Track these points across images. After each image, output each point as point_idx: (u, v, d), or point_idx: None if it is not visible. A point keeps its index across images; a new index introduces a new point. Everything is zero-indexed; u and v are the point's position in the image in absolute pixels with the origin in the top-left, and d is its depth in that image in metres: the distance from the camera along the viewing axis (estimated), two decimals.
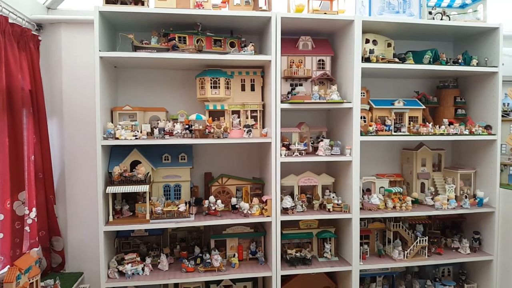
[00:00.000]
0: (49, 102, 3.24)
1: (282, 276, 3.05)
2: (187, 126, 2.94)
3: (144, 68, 3.34)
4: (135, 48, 2.83)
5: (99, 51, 2.69)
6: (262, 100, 3.23)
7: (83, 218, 3.39)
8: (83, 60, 3.28)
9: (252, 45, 2.98)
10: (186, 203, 3.00)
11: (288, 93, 3.13)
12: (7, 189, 2.62)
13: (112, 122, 2.94)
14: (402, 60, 3.21)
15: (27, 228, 2.89)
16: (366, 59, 3.10)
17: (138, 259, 2.96)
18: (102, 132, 2.78)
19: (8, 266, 2.58)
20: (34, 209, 2.94)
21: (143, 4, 2.79)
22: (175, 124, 2.96)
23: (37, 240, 3.00)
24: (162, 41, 2.93)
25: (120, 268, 2.89)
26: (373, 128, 3.16)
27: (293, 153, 3.06)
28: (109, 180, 2.82)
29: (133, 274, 2.89)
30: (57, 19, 3.24)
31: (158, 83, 3.39)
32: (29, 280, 2.57)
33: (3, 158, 2.57)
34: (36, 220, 2.97)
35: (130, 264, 2.89)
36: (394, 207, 3.25)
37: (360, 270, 3.16)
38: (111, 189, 2.77)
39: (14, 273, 2.45)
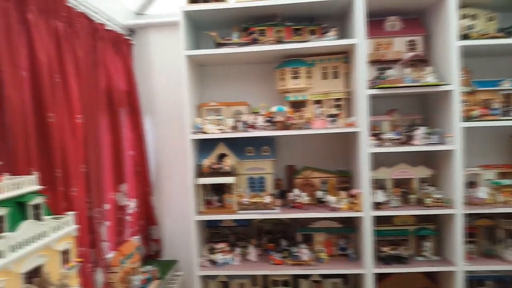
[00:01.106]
0: (142, 101, 3.49)
1: (376, 275, 2.87)
2: (268, 119, 2.93)
3: (226, 64, 3.41)
4: (218, 45, 2.89)
5: (185, 50, 2.81)
6: (347, 87, 3.07)
7: (176, 209, 3.60)
8: (171, 60, 3.47)
9: (335, 30, 2.84)
10: (270, 195, 2.99)
11: (376, 78, 2.92)
12: (111, 181, 2.89)
13: (199, 118, 3.06)
14: (509, 34, 2.77)
15: (128, 217, 3.15)
16: (464, 36, 2.74)
17: (228, 249, 3.05)
18: (191, 127, 2.90)
19: (113, 251, 2.83)
20: (134, 200, 3.20)
21: (223, 0, 2.84)
22: (257, 117, 2.96)
23: (137, 229, 3.26)
24: (242, 36, 2.95)
25: (212, 257, 2.99)
26: (477, 113, 2.79)
27: (385, 143, 2.85)
28: (199, 172, 2.94)
29: (223, 263, 2.98)
30: (146, 24, 3.48)
31: (240, 78, 3.44)
32: (131, 265, 2.80)
33: (107, 154, 2.84)
34: (136, 211, 3.23)
35: (220, 254, 2.99)
36: (505, 201, 2.84)
37: (465, 272, 2.83)
38: (201, 181, 2.89)
39: (119, 258, 2.69)
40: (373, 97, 2.80)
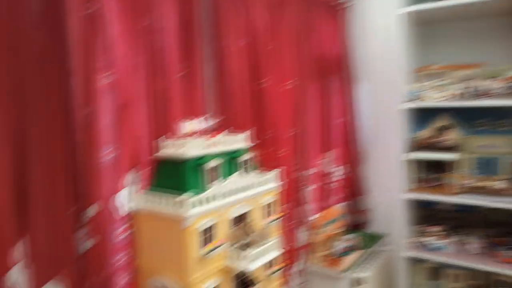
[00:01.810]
0: (355, 67, 3.36)
1: None
2: (509, 84, 2.29)
3: (450, 20, 2.83)
4: None
5: (404, 6, 2.50)
6: None
7: (385, 182, 3.37)
8: (386, 20, 3.16)
9: None
10: (506, 180, 2.38)
11: None
12: (319, 147, 2.96)
13: (417, 84, 2.70)
14: None
15: (333, 184, 3.18)
16: None
17: (444, 233, 2.68)
18: (407, 95, 2.61)
19: (317, 214, 2.93)
20: (341, 168, 3.20)
21: None
22: (493, 82, 2.37)
23: (343, 197, 3.26)
24: None
25: (423, 239, 2.70)
26: None
27: None
28: (413, 145, 2.64)
29: (436, 248, 2.64)
30: None
31: (468, 36, 2.81)
32: (334, 231, 2.83)
33: (316, 120, 2.91)
34: (342, 178, 3.22)
35: (434, 237, 2.66)
36: None
37: None
38: (414, 155, 2.60)
39: (322, 221, 2.76)
40: None
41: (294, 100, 2.55)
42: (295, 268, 2.63)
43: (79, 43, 1.50)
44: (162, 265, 1.65)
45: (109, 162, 1.63)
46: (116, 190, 1.65)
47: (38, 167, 1.42)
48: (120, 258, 1.70)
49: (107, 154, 1.61)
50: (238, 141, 1.90)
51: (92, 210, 1.57)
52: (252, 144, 1.99)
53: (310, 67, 2.75)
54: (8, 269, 1.33)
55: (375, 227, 3.47)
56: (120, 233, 1.69)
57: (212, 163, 1.71)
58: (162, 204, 1.60)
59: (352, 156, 3.33)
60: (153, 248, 1.68)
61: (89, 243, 1.59)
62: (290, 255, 2.48)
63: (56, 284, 1.51)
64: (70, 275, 1.54)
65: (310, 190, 2.86)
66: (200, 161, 1.67)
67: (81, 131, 1.54)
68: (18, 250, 1.36)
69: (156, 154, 1.74)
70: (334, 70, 3.10)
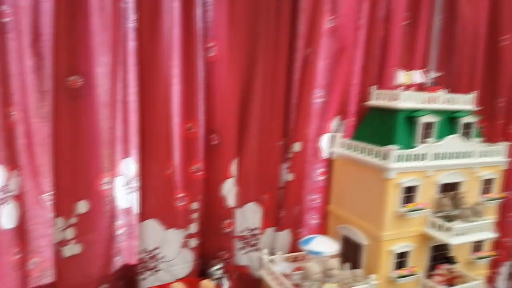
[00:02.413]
0: None
1: None
2: None
3: None
4: None
5: None
6: None
7: None
8: None
9: None
10: None
11: None
12: None
13: None
14: None
15: None
16: None
17: None
18: None
19: None
20: None
21: None
22: None
23: None
24: None
25: None
26: None
27: None
28: None
29: None
30: None
31: None
32: None
33: None
34: None
35: None
36: None
37: None
38: None
39: None
40: None
41: None
42: (505, 268, 2.20)
43: None
44: (355, 214, 1.63)
45: (319, 105, 1.68)
46: (320, 133, 1.70)
47: (259, 97, 1.59)
48: (314, 199, 1.77)
49: (318, 97, 1.67)
50: (461, 101, 1.65)
51: (296, 147, 1.68)
52: (477, 109, 1.70)
53: None
54: (225, 179, 1.57)
55: None
56: (317, 175, 1.76)
57: (427, 119, 1.54)
58: (365, 152, 1.56)
59: None
60: (348, 196, 1.68)
61: (289, 177, 1.72)
62: (502, 250, 2.07)
63: (256, 206, 1.70)
64: (269, 202, 1.71)
65: None
66: (413, 114, 1.53)
67: (300, 70, 1.63)
68: (233, 167, 1.58)
69: (366, 103, 1.70)
70: None
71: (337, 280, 1.51)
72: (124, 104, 1.44)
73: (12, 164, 1.31)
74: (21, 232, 1.36)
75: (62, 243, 1.32)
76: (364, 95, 1.71)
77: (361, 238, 1.59)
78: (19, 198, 1.34)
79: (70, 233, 1.33)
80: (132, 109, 1.45)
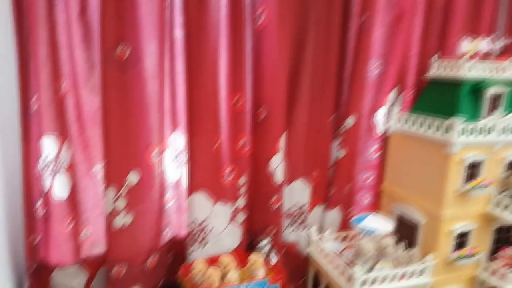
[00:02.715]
0: None
1: None
2: None
3: None
4: None
5: None
6: None
7: None
8: None
9: None
10: None
11: None
12: None
13: None
14: None
15: None
16: None
17: None
18: None
19: None
20: None
21: None
22: None
23: None
24: None
25: None
26: None
27: None
28: None
29: None
30: None
31: None
32: None
33: None
34: None
35: None
36: None
37: None
38: None
39: None
40: None
41: None
42: None
43: None
44: (412, 192, 1.54)
45: (375, 77, 1.58)
46: (376, 107, 1.60)
47: (310, 68, 1.50)
48: (366, 177, 1.70)
49: (374, 68, 1.57)
50: None
51: (349, 122, 1.60)
52: None
53: None
54: (273, 155, 1.51)
55: None
56: (371, 152, 1.67)
57: (495, 91, 1.42)
58: (425, 127, 1.46)
59: None
60: (405, 174, 1.58)
61: (340, 153, 1.65)
62: None
63: (304, 183, 1.64)
64: (318, 179, 1.65)
65: None
66: (479, 85, 1.41)
67: (354, 39, 1.53)
68: (281, 142, 1.52)
69: (426, 74, 1.58)
70: None
71: (392, 259, 1.44)
72: (172, 77, 1.41)
73: (63, 135, 1.32)
74: (73, 203, 1.38)
75: (113, 213, 1.32)
76: (423, 66, 1.59)
77: (418, 217, 1.50)
78: (71, 169, 1.35)
79: (121, 203, 1.32)
80: (179, 81, 1.41)
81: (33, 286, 1.36)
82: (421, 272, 1.44)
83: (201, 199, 1.46)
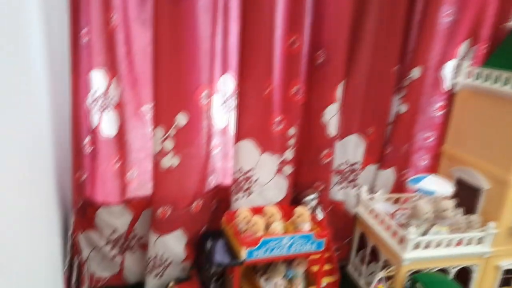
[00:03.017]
0: None
1: None
2: None
3: None
4: None
5: None
6: None
7: None
8: None
9: None
10: None
11: None
12: None
13: None
14: None
15: None
16: None
17: None
18: None
19: None
20: None
21: None
22: None
23: None
24: None
25: None
26: None
27: None
28: None
29: None
30: None
31: None
32: None
33: None
34: None
35: None
36: None
37: None
38: None
39: None
40: None
41: None
42: None
43: None
44: (478, 155, 1.40)
45: (446, 25, 1.41)
46: (445, 59, 1.44)
47: (377, 10, 1.36)
48: (427, 137, 1.56)
49: (446, 15, 1.40)
50: None
51: (414, 74, 1.46)
52: None
53: None
54: (328, 105, 1.41)
55: None
56: (435, 109, 1.53)
57: None
58: (501, 82, 1.30)
59: None
60: (471, 134, 1.44)
61: (401, 109, 1.51)
62: None
63: (359, 138, 1.53)
64: (374, 135, 1.53)
65: None
66: None
67: None
68: (338, 91, 1.41)
69: (505, 25, 1.40)
70: None
71: (450, 223, 1.34)
72: (225, 11, 1.30)
73: (112, 71, 1.27)
74: (121, 142, 1.34)
75: (160, 153, 1.28)
76: (503, 16, 1.41)
77: (481, 182, 1.38)
78: (119, 107, 1.31)
79: (168, 144, 1.28)
80: (233, 17, 1.31)
81: (78, 222, 1.37)
82: (480, 240, 1.34)
83: (248, 147, 1.40)
